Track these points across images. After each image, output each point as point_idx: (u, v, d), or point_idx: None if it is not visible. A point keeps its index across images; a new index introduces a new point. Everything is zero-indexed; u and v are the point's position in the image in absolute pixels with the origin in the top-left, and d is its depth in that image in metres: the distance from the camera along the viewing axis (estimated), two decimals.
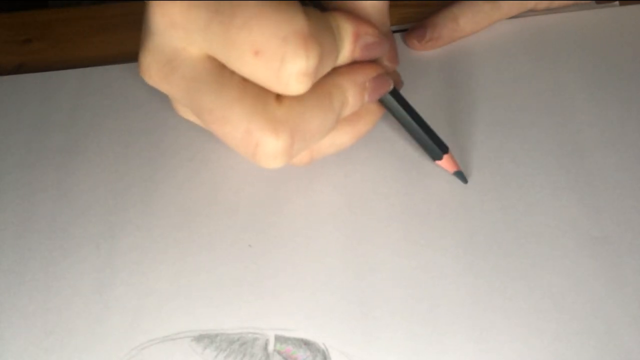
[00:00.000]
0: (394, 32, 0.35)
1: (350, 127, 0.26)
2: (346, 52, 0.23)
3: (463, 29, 0.34)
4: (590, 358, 0.25)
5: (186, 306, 0.27)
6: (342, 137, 0.26)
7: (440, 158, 0.29)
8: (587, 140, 0.30)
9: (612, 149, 0.30)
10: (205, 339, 0.26)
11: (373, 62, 0.24)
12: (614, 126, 0.31)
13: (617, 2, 0.35)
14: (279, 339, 0.26)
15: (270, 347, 0.26)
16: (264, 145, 0.22)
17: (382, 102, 0.26)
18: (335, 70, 0.23)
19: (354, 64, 0.23)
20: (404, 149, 0.31)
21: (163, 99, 0.34)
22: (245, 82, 0.22)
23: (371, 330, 0.26)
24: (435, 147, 0.28)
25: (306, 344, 0.26)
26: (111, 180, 0.31)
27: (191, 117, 0.27)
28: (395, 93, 0.26)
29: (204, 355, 0.26)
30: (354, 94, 0.23)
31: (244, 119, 0.22)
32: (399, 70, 0.29)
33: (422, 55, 0.34)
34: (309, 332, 0.26)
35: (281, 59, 0.20)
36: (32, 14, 0.38)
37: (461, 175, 0.29)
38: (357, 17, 0.23)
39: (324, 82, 0.22)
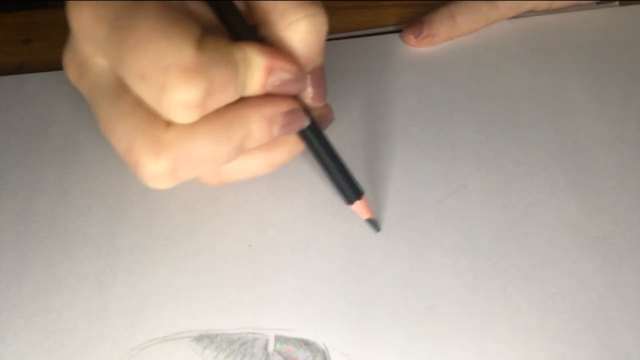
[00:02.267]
0: (392, 32, 0.35)
1: (263, 155, 0.25)
2: (256, 85, 0.22)
3: (460, 27, 0.34)
4: (590, 358, 0.25)
5: (186, 306, 0.27)
6: (254, 164, 0.25)
7: (350, 203, 0.27)
8: (587, 140, 0.30)
9: (612, 149, 0.30)
10: (205, 339, 0.26)
11: (290, 96, 0.23)
12: (614, 126, 0.31)
13: (617, 2, 0.35)
14: (279, 339, 0.26)
15: (270, 347, 0.26)
16: (143, 166, 0.22)
17: (300, 136, 0.25)
18: (244, 101, 0.22)
19: (266, 96, 0.22)
20: (404, 148, 0.31)
21: None
22: (140, 100, 0.22)
23: (371, 330, 0.26)
24: (348, 191, 0.27)
25: (306, 344, 0.26)
26: (111, 180, 0.31)
27: None
28: (312, 130, 0.25)
29: (204, 355, 0.26)
30: (260, 127, 0.22)
31: (128, 135, 0.22)
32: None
33: (422, 55, 0.34)
34: (309, 332, 0.26)
35: (162, 88, 0.20)
36: (32, 14, 0.38)
37: (373, 223, 0.28)
38: (276, 51, 0.22)
39: (226, 111, 0.22)
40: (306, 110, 0.24)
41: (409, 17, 0.36)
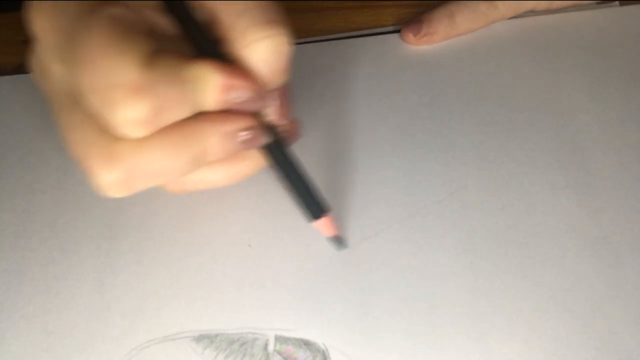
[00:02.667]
0: (392, 32, 0.35)
1: (225, 168, 0.25)
2: (212, 102, 0.22)
3: (459, 26, 0.34)
4: (590, 358, 0.25)
5: (186, 306, 0.27)
6: (215, 176, 0.25)
7: (314, 220, 0.27)
8: (587, 140, 0.30)
9: (612, 149, 0.30)
10: (205, 339, 0.26)
11: (250, 113, 0.23)
12: (614, 126, 0.31)
13: (617, 2, 0.35)
14: (279, 339, 0.26)
15: (270, 347, 0.26)
16: (96, 175, 0.22)
17: (262, 151, 0.25)
18: (203, 115, 0.22)
19: (225, 112, 0.22)
20: (403, 149, 0.31)
21: None
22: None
23: (371, 330, 0.26)
24: (311, 208, 0.26)
25: (306, 344, 0.26)
26: None
27: None
28: (275, 146, 0.24)
29: (204, 355, 0.26)
30: (217, 142, 0.22)
31: (82, 144, 0.22)
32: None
33: (422, 55, 0.34)
34: (309, 332, 0.26)
35: (108, 105, 0.20)
36: None
37: (338, 241, 0.28)
38: (234, 70, 0.21)
39: (183, 125, 0.22)
40: (269, 126, 0.24)
41: (408, 17, 0.36)
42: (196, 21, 0.22)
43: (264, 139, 0.24)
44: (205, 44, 0.22)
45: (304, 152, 0.31)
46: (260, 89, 0.22)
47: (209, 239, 0.29)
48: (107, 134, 0.21)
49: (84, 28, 0.20)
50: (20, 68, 0.36)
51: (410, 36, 0.34)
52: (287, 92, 0.24)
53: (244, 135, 0.23)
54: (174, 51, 0.21)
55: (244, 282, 0.28)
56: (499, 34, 0.35)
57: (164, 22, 0.23)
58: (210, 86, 0.21)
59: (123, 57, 0.20)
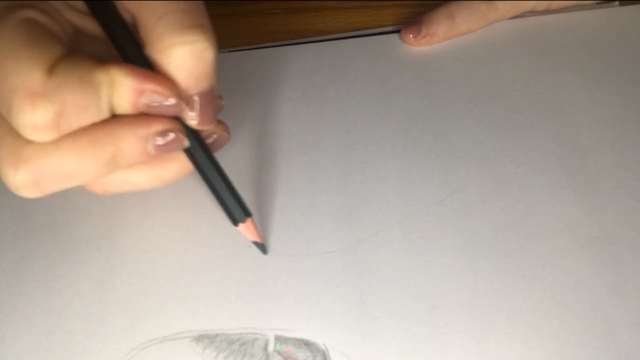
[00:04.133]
0: (392, 32, 0.35)
1: (149, 170, 0.25)
2: (125, 105, 0.21)
3: (459, 27, 0.34)
4: (590, 358, 0.25)
5: (186, 306, 0.27)
6: (138, 179, 0.25)
7: (235, 224, 0.27)
8: (587, 140, 0.30)
9: (612, 149, 0.30)
10: (205, 339, 0.26)
11: (167, 116, 0.23)
12: (614, 126, 0.31)
13: (617, 2, 0.35)
14: (279, 339, 0.26)
15: (270, 347, 0.26)
16: (5, 176, 0.22)
17: (187, 154, 0.25)
18: (117, 119, 0.22)
19: (140, 115, 0.22)
20: (403, 149, 0.31)
21: None
22: None
23: (371, 330, 0.26)
24: (233, 212, 0.26)
25: (306, 344, 0.26)
26: None
27: None
28: (197, 150, 0.24)
29: (203, 355, 0.26)
30: (130, 145, 0.22)
31: None
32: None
33: (422, 55, 0.34)
34: (309, 332, 0.26)
35: (9, 109, 0.20)
36: None
37: (261, 247, 0.28)
38: (147, 74, 0.21)
39: (95, 129, 0.22)
40: (191, 130, 0.24)
41: (408, 17, 0.36)
42: (121, 24, 0.22)
43: (184, 144, 0.23)
44: (128, 47, 0.22)
45: (304, 152, 0.32)
46: (176, 94, 0.22)
47: (209, 239, 0.29)
48: (16, 137, 0.21)
49: None
50: None
51: (410, 37, 0.34)
52: (211, 97, 0.23)
53: (161, 139, 0.22)
54: (90, 54, 0.21)
55: (244, 282, 0.28)
56: (499, 34, 0.35)
57: (88, 24, 0.23)
58: (124, 90, 0.21)
59: (25, 62, 0.20)
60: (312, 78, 0.34)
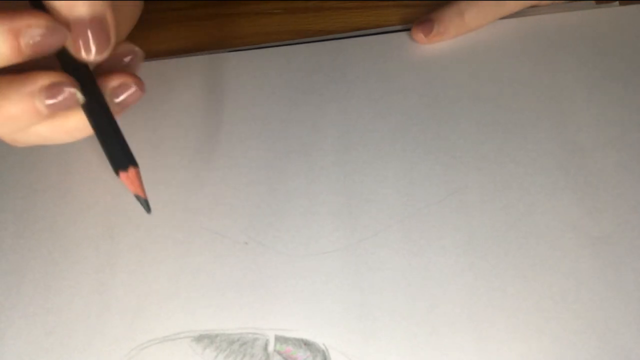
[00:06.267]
0: (392, 32, 0.35)
1: (52, 123, 0.24)
2: (8, 51, 0.21)
3: (468, 24, 0.34)
4: (590, 358, 0.25)
5: (186, 306, 0.27)
6: (43, 131, 0.24)
7: (117, 172, 0.25)
8: (587, 140, 0.30)
9: (612, 149, 0.30)
10: (205, 339, 0.26)
11: (55, 71, 0.22)
12: (614, 126, 0.31)
13: (617, 2, 0.35)
14: (279, 339, 0.26)
15: (270, 348, 0.26)
16: None
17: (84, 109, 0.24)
18: (3, 78, 0.21)
19: (26, 73, 0.21)
20: (402, 149, 0.31)
21: (166, 100, 0.34)
22: None
23: (371, 330, 0.26)
24: (116, 159, 0.25)
25: (306, 344, 0.26)
26: (111, 180, 0.31)
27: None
28: (92, 104, 0.23)
29: (204, 355, 0.26)
30: (18, 104, 0.21)
31: None
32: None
33: (422, 55, 0.34)
34: (309, 332, 0.26)
35: None
36: None
37: (144, 202, 0.26)
38: (18, 12, 0.20)
39: None
40: (86, 83, 0.23)
41: (408, 17, 0.36)
42: None
43: (78, 98, 0.23)
44: None
45: (304, 152, 0.32)
46: (53, 22, 0.21)
47: (208, 239, 0.29)
48: None
49: None
50: None
51: (421, 35, 0.34)
52: (97, 25, 0.22)
53: (49, 92, 0.22)
54: None
55: (244, 282, 0.28)
56: (499, 34, 0.35)
57: None
58: (0, 35, 0.21)
59: None
60: (312, 78, 0.34)
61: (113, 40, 0.23)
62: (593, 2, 0.35)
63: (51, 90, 0.22)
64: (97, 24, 0.22)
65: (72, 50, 0.23)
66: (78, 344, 0.27)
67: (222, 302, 0.27)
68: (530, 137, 0.31)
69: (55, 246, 0.29)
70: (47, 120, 0.23)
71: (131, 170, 0.25)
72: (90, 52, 0.23)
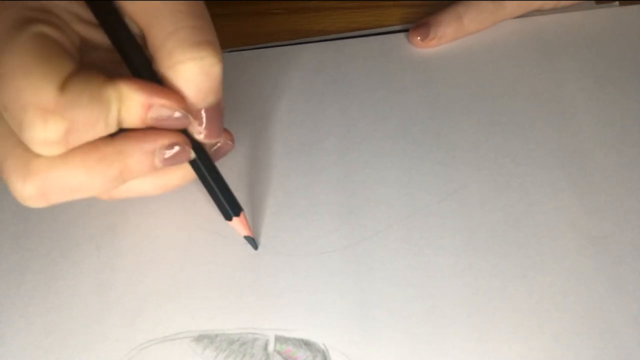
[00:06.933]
0: (393, 32, 0.35)
1: (154, 178, 0.25)
2: (134, 119, 0.22)
3: (467, 27, 0.34)
4: (590, 358, 0.25)
5: (186, 306, 0.27)
6: (143, 187, 0.25)
7: (229, 219, 0.27)
8: (587, 140, 0.30)
9: (612, 149, 0.30)
10: (205, 339, 0.26)
11: (174, 130, 0.23)
12: (614, 126, 0.31)
13: (617, 2, 0.35)
14: (279, 339, 0.26)
15: (270, 348, 0.26)
16: (12, 186, 0.22)
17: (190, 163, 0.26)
18: (125, 134, 0.22)
19: (147, 130, 0.23)
20: (403, 149, 0.31)
21: None
22: None
23: (371, 330, 0.26)
24: (228, 208, 0.27)
25: (306, 344, 0.26)
26: None
27: None
28: (200, 160, 0.25)
29: (203, 355, 0.26)
30: (138, 161, 0.23)
31: (2, 155, 0.22)
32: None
33: (422, 55, 0.34)
34: (309, 332, 0.26)
35: (20, 125, 0.20)
36: None
37: (252, 241, 0.28)
38: (156, 89, 0.22)
39: (104, 144, 0.22)
40: (194, 142, 0.24)
41: (409, 17, 0.36)
42: (130, 37, 0.23)
43: (190, 156, 0.24)
44: (137, 61, 0.23)
45: (304, 152, 0.32)
46: (184, 108, 0.23)
47: (209, 239, 0.29)
48: (26, 149, 0.21)
49: (8, 45, 0.20)
50: None
51: (418, 40, 0.34)
52: (218, 111, 0.24)
53: (167, 152, 0.23)
54: (99, 69, 0.21)
55: (244, 282, 0.28)
56: (500, 35, 0.35)
57: (96, 35, 0.23)
58: (133, 105, 0.22)
59: (38, 78, 0.20)
60: (312, 78, 0.34)
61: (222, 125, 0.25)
62: (593, 2, 0.35)
63: (169, 148, 0.23)
64: (219, 109, 0.24)
65: (192, 132, 0.24)
66: (78, 344, 0.27)
67: (222, 302, 0.27)
68: (531, 137, 0.31)
69: (55, 246, 0.29)
70: (153, 174, 0.25)
71: (242, 216, 0.27)
72: (213, 137, 0.24)
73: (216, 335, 0.26)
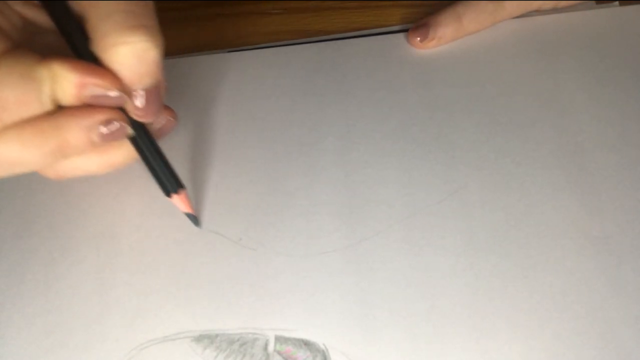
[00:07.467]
0: (393, 32, 0.35)
1: (97, 156, 0.26)
2: (68, 97, 0.22)
3: (466, 28, 0.34)
4: (590, 358, 0.25)
5: (186, 306, 0.27)
6: (87, 164, 0.26)
7: (168, 195, 0.28)
8: (587, 140, 0.30)
9: (612, 149, 0.30)
10: (205, 339, 0.26)
11: (112, 108, 0.24)
12: (614, 126, 0.31)
13: (617, 2, 0.35)
14: (279, 339, 0.26)
15: (270, 348, 0.26)
16: None
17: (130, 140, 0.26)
18: (62, 110, 0.23)
19: (85, 107, 0.23)
20: (403, 149, 0.31)
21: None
22: None
23: (371, 330, 0.26)
24: (167, 184, 0.27)
25: (306, 344, 0.26)
26: (111, 180, 0.31)
27: None
28: (139, 136, 0.26)
29: (203, 355, 0.26)
30: (76, 136, 0.23)
31: None
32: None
33: (422, 56, 0.34)
34: (309, 332, 0.26)
35: None
36: None
37: (193, 219, 0.29)
38: (90, 68, 0.22)
39: (41, 120, 0.23)
40: (132, 119, 0.25)
41: (409, 17, 0.36)
42: (71, 18, 0.23)
43: (128, 132, 0.25)
44: (77, 41, 0.23)
45: (304, 152, 0.32)
46: (119, 88, 0.23)
47: (208, 239, 0.29)
48: None
49: None
50: None
51: (417, 40, 0.34)
52: (155, 93, 0.24)
53: (105, 128, 0.24)
54: (41, 46, 0.22)
55: (244, 282, 0.28)
56: (500, 34, 0.35)
57: (41, 17, 0.24)
58: (67, 83, 0.22)
59: None
60: (312, 78, 0.34)
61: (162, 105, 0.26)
62: (593, 2, 0.35)
63: (107, 124, 0.24)
64: (156, 91, 0.24)
65: (129, 110, 0.25)
66: (78, 344, 0.27)
67: (222, 302, 0.27)
68: (531, 137, 0.31)
69: (55, 246, 0.29)
70: (96, 152, 0.25)
71: (181, 193, 0.28)
72: (149, 116, 0.25)
73: (216, 335, 0.26)
